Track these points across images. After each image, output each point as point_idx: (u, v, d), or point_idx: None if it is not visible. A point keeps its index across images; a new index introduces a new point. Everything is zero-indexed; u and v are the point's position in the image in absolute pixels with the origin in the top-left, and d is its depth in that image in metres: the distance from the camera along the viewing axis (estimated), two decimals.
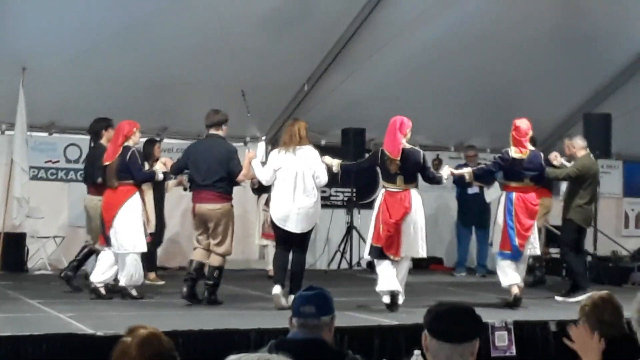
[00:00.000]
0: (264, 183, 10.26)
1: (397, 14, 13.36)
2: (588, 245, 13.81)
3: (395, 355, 7.96)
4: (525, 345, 8.75)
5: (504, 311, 9.83)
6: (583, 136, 12.78)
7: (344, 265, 15.48)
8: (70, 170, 14.54)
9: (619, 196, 18.22)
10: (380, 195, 9.99)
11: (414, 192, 9.89)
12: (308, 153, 9.91)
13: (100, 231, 10.74)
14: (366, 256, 10.16)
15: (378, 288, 9.84)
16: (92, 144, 11.65)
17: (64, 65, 12.92)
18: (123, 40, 12.75)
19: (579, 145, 11.88)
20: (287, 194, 9.82)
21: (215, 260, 10.13)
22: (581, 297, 8.04)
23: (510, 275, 10.34)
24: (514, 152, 10.32)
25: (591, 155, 12.11)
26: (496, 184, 12.09)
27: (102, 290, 10.36)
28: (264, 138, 15.85)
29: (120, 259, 10.31)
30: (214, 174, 10.06)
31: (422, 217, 9.96)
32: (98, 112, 13.44)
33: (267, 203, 13.41)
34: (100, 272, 10.42)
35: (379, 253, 9.81)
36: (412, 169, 9.92)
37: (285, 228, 9.86)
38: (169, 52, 13.28)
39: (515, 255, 10.30)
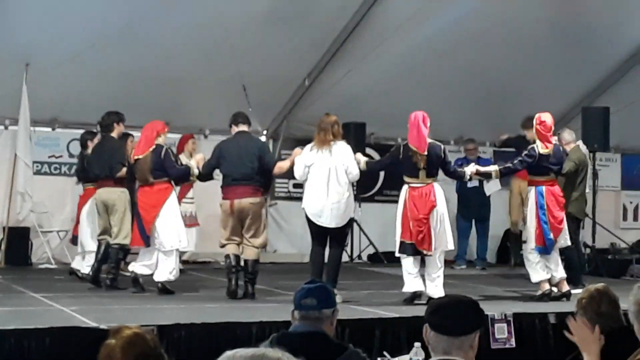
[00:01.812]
0: (297, 179, 10.32)
1: (397, 9, 13.40)
2: (587, 238, 13.90)
3: (396, 348, 8.00)
4: (525, 337, 8.79)
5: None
6: (581, 129, 12.87)
7: (345, 258, 15.49)
8: (74, 165, 14.50)
9: (618, 189, 18.28)
10: (404, 192, 9.85)
11: (436, 186, 9.88)
12: (341, 148, 9.92)
13: (117, 226, 10.85)
14: (397, 254, 10.04)
15: (404, 289, 9.83)
16: (102, 137, 11.54)
17: (66, 61, 12.97)
18: (125, 36, 12.81)
19: (565, 140, 11.93)
20: (320, 189, 9.83)
21: (252, 254, 10.15)
22: (577, 291, 8.13)
23: (540, 272, 10.36)
24: (541, 148, 10.29)
25: (580, 147, 12.16)
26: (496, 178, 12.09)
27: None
28: (265, 133, 15.90)
29: (162, 256, 10.35)
30: (251, 168, 10.11)
31: (446, 210, 9.97)
32: (101, 107, 13.48)
33: None
34: (167, 272, 10.41)
35: (412, 249, 9.72)
36: (434, 163, 9.90)
37: (320, 223, 9.88)
38: (171, 47, 13.34)
39: (548, 248, 10.33)
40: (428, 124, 9.90)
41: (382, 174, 15.93)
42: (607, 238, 16.01)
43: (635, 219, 18.34)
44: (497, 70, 15.12)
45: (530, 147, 10.46)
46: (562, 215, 10.42)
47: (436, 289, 9.68)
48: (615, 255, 15.46)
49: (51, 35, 12.72)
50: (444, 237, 9.84)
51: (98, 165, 11.24)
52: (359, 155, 10.36)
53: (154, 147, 10.43)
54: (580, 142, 12.34)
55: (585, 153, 12.19)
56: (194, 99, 14.14)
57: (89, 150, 11.87)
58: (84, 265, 11.68)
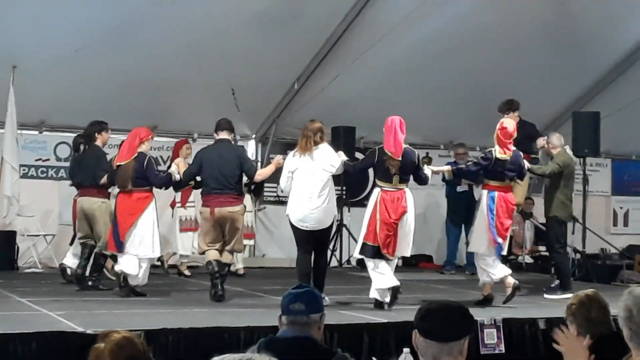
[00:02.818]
0: (282, 187, 10.31)
1: (386, 14, 13.40)
2: (577, 243, 13.88)
3: (385, 353, 7.98)
4: (514, 342, 8.78)
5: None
6: (572, 134, 12.88)
7: (334, 263, 15.50)
8: (61, 169, 14.53)
9: (608, 194, 18.34)
10: (375, 195, 9.92)
11: (408, 192, 9.94)
12: (322, 151, 9.97)
13: (101, 236, 10.95)
14: (356, 255, 10.14)
15: (378, 286, 9.79)
16: (86, 146, 11.57)
17: (54, 64, 12.92)
18: (113, 39, 12.75)
19: (553, 144, 11.94)
20: (303, 196, 9.89)
21: (226, 258, 10.33)
22: (567, 296, 8.09)
23: (499, 268, 10.38)
24: (498, 153, 10.33)
25: (567, 151, 12.18)
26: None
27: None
28: (254, 136, 15.87)
29: (136, 262, 10.44)
30: (231, 177, 10.19)
31: (414, 216, 10.01)
32: (88, 110, 13.45)
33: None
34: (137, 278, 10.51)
35: (374, 252, 9.78)
36: (407, 169, 9.96)
37: (304, 228, 9.93)
38: (159, 51, 13.30)
39: (498, 251, 10.35)
40: (404, 129, 9.95)
41: (371, 177, 15.87)
42: (597, 243, 16.03)
43: (625, 224, 18.38)
44: (488, 75, 15.11)
45: (487, 150, 10.53)
46: (509, 223, 10.45)
47: (392, 280, 9.78)
48: (606, 261, 15.49)
49: (39, 38, 12.67)
50: (405, 244, 9.93)
51: (80, 174, 11.38)
52: (341, 154, 10.38)
53: (136, 154, 10.44)
54: (567, 147, 12.34)
55: (571, 157, 12.19)
56: (183, 103, 14.10)
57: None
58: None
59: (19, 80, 12.98)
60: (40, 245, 14.04)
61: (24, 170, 14.13)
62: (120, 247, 10.38)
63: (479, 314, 8.68)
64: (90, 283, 10.98)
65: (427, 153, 16.25)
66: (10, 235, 13.92)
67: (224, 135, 10.50)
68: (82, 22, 12.52)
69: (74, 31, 12.62)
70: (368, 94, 14.95)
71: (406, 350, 4.86)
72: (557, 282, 11.60)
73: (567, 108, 16.21)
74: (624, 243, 17.10)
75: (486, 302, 10.30)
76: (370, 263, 9.89)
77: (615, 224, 18.34)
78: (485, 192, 10.49)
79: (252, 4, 12.98)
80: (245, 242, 13.78)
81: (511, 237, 15.11)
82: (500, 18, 13.97)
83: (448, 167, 10.87)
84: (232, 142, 10.73)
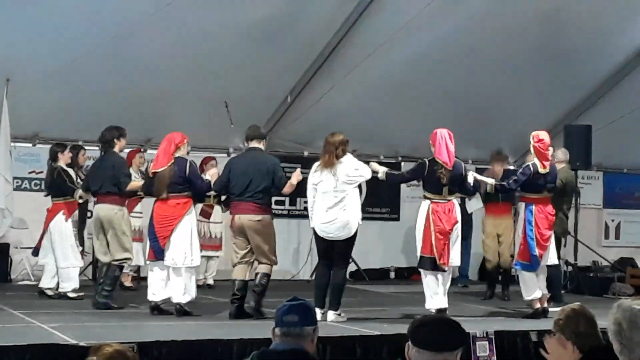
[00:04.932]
0: (309, 200, 10.26)
1: (379, 27, 13.43)
2: (569, 256, 13.92)
3: None
4: (506, 355, 8.79)
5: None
6: (565, 148, 12.91)
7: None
8: None
9: (600, 207, 18.39)
10: (425, 207, 10.03)
11: (456, 203, 10.15)
12: (345, 165, 9.97)
13: (115, 245, 10.70)
14: (418, 268, 10.21)
15: (428, 306, 10.02)
16: (103, 152, 11.42)
17: (48, 76, 12.94)
18: (107, 52, 12.76)
19: (558, 158, 12.01)
20: (325, 209, 9.90)
21: (263, 267, 10.10)
22: (559, 308, 8.11)
23: (532, 290, 10.51)
24: (540, 168, 10.39)
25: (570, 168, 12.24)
26: (478, 196, 12.15)
27: (163, 306, 10.14)
28: None
29: (172, 274, 10.07)
30: (256, 185, 10.05)
31: (460, 228, 10.19)
32: (82, 123, 13.51)
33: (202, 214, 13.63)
34: (158, 289, 10.14)
35: (432, 264, 9.93)
36: (456, 180, 10.09)
37: (328, 237, 9.97)
38: (152, 63, 13.31)
39: (534, 265, 10.43)
40: (453, 140, 10.16)
41: (365, 191, 15.92)
42: (589, 256, 16.07)
43: (617, 237, 18.44)
44: (480, 89, 15.17)
45: (526, 165, 10.56)
46: (549, 233, 10.54)
47: (441, 301, 9.97)
48: (597, 273, 15.51)
49: (32, 51, 12.67)
50: (455, 253, 10.10)
51: (97, 181, 10.99)
52: (375, 164, 10.54)
53: (173, 160, 10.17)
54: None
55: (572, 174, 12.28)
56: (176, 116, 14.09)
57: (59, 163, 11.88)
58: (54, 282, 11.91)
59: (12, 93, 12.96)
60: (33, 257, 14.01)
61: (17, 182, 14.10)
62: (160, 255, 10.02)
63: (471, 326, 8.70)
64: (102, 300, 10.58)
65: None
66: (4, 248, 13.93)
67: (254, 144, 10.37)
68: (75, 34, 12.52)
69: (67, 44, 12.62)
70: (361, 107, 14.99)
71: None
72: (548, 294, 11.63)
73: (559, 121, 16.25)
74: (615, 256, 17.13)
75: (535, 315, 10.41)
76: (426, 280, 10.07)
77: (607, 237, 18.39)
78: (522, 204, 10.60)
79: (246, 17, 13.00)
80: (211, 253, 13.96)
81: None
82: (493, 32, 14.02)
83: (492, 181, 10.91)
84: (264, 150, 10.55)
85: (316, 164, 10.12)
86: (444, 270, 9.97)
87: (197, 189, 10.33)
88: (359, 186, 10.27)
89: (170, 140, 10.32)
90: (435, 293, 10.00)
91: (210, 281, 14.13)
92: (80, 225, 12.38)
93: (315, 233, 10.13)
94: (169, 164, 10.13)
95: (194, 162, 10.45)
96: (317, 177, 10.01)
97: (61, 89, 13.26)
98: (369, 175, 10.19)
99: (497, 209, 13.01)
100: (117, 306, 10.60)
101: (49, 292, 11.89)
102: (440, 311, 9.83)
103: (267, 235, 10.10)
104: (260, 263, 10.12)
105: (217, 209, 13.29)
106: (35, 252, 12.38)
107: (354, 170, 9.96)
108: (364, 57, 13.73)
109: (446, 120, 15.57)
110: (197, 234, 10.48)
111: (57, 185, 11.90)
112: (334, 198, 9.86)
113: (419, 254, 10.05)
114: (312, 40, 13.80)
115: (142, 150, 14.08)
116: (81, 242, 12.37)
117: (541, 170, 10.40)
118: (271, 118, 15.35)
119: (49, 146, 14.06)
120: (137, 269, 13.74)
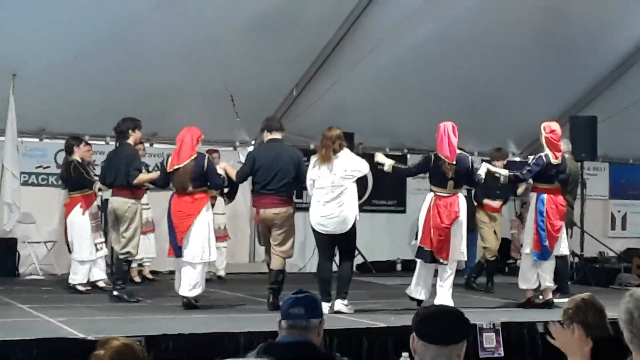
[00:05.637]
0: (309, 193, 10.27)
1: (383, 20, 13.42)
2: (575, 247, 13.91)
3: (384, 357, 8.02)
4: (513, 346, 8.80)
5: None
6: (569, 139, 12.89)
7: (334, 267, 15.49)
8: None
9: (606, 198, 18.39)
10: (429, 199, 10.07)
11: (461, 197, 10.13)
12: (342, 160, 9.91)
13: (126, 238, 10.72)
14: (415, 258, 10.27)
15: (409, 291, 10.15)
16: (117, 144, 11.44)
17: (54, 72, 12.97)
18: (112, 46, 12.79)
19: (562, 149, 12.00)
20: (322, 203, 9.88)
21: (276, 263, 10.09)
22: (565, 299, 8.12)
23: (529, 281, 10.58)
24: (552, 159, 10.43)
25: (573, 158, 12.23)
26: None
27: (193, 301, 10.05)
28: (253, 142, 15.88)
29: (188, 268, 10.00)
30: (281, 178, 10.05)
31: (465, 220, 10.15)
32: (88, 117, 13.53)
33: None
34: (191, 286, 10.05)
35: (429, 257, 9.97)
36: (461, 173, 10.09)
37: (325, 232, 9.94)
38: (158, 57, 13.32)
39: (544, 254, 10.48)
40: (457, 134, 10.13)
41: (370, 184, 15.94)
42: (595, 247, 16.05)
43: (623, 227, 18.44)
44: (484, 81, 15.16)
45: (539, 155, 10.55)
46: (560, 224, 10.59)
47: (444, 297, 9.93)
48: (604, 264, 15.52)
49: (38, 46, 12.70)
50: (459, 247, 10.07)
51: (112, 173, 10.99)
52: (381, 156, 10.54)
53: (195, 155, 10.10)
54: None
55: (576, 164, 12.28)
56: (181, 109, 14.10)
57: (75, 156, 11.88)
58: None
59: (19, 89, 13.00)
60: (40, 252, 14.07)
61: (24, 177, 14.16)
62: (178, 251, 9.99)
63: (478, 318, 8.71)
64: (115, 293, 10.61)
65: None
66: (11, 242, 13.96)
67: (276, 135, 10.34)
68: (80, 29, 12.55)
69: (72, 39, 12.65)
70: (367, 100, 14.99)
71: (405, 354, 4.89)
72: (555, 285, 11.64)
73: (564, 113, 16.22)
74: (621, 246, 17.13)
75: (546, 305, 10.45)
76: (419, 268, 10.13)
77: (613, 228, 18.39)
78: (534, 194, 10.61)
79: (250, 10, 13.00)
80: (219, 244, 13.85)
81: (510, 242, 15.19)
82: (496, 24, 14.01)
83: (506, 172, 10.91)
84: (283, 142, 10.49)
85: (314, 159, 10.06)
86: (442, 264, 9.98)
87: (214, 184, 10.36)
88: (365, 178, 10.25)
89: (192, 135, 10.21)
90: (420, 285, 10.04)
91: (222, 273, 13.92)
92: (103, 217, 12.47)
93: (312, 228, 10.09)
94: (191, 158, 10.06)
95: (211, 158, 10.44)
96: (316, 172, 9.97)
97: (67, 84, 13.28)
98: (366, 170, 10.16)
99: (491, 208, 13.02)
100: (134, 299, 10.61)
101: (80, 288, 11.86)
102: (418, 302, 9.96)
103: (287, 227, 10.15)
104: (274, 255, 10.11)
105: (220, 200, 13.29)
106: (69, 249, 12.28)
107: (351, 165, 9.91)
108: (369, 49, 13.71)
109: (451, 112, 15.57)
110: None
111: (73, 179, 11.91)
112: (331, 193, 9.83)
113: (418, 244, 10.10)
114: (317, 33, 13.80)
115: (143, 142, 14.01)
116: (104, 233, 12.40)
117: (554, 160, 10.43)
118: (276, 112, 15.32)
119: (55, 141, 14.18)
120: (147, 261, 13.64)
